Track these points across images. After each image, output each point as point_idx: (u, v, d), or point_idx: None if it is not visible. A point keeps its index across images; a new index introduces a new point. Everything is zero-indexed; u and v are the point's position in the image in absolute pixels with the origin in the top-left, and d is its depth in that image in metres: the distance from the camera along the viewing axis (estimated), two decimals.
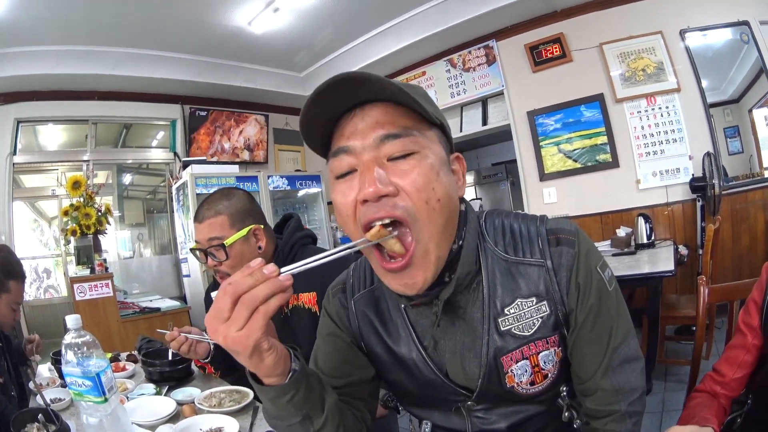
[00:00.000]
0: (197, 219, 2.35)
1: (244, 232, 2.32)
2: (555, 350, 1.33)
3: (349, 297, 1.52)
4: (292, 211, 4.89)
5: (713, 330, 4.60)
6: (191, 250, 2.43)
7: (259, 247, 2.41)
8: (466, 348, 1.34)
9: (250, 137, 8.93)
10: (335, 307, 1.55)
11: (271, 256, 2.46)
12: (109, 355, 3.01)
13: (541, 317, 1.30)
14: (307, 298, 2.38)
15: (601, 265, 1.35)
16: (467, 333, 1.34)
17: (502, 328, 1.30)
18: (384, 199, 1.10)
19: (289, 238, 2.54)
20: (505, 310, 1.30)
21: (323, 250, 2.41)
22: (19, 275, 2.63)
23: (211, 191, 2.36)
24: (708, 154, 5.75)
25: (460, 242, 1.26)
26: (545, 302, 1.30)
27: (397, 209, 1.10)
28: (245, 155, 8.85)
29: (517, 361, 1.30)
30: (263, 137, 9.09)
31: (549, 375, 1.34)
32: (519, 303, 1.29)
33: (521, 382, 1.32)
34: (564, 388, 1.41)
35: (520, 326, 1.30)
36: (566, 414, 1.42)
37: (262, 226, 2.43)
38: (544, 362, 1.32)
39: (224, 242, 2.27)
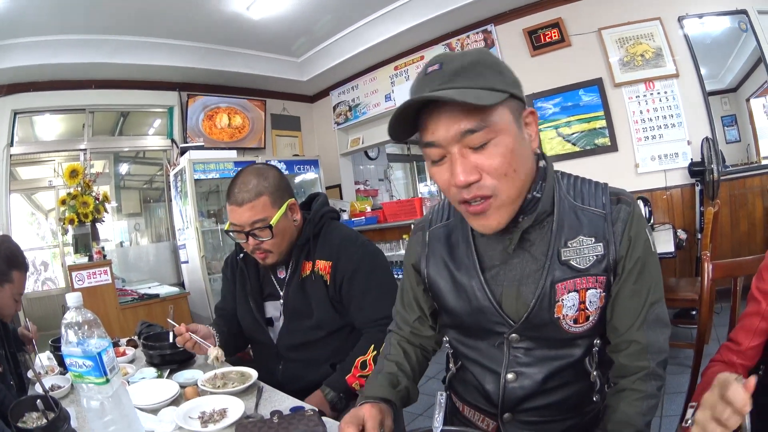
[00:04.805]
0: (235, 202, 2.36)
1: (284, 208, 2.41)
2: (600, 293, 1.49)
3: (427, 228, 1.76)
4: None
5: (712, 314, 4.59)
6: (227, 232, 2.50)
7: (295, 220, 2.52)
8: (526, 276, 1.51)
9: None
10: (412, 243, 1.82)
11: (300, 227, 2.57)
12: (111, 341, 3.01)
13: (596, 255, 1.46)
14: (323, 266, 2.48)
15: (648, 230, 1.52)
16: (529, 263, 1.51)
17: (563, 258, 1.47)
18: (472, 185, 1.34)
19: (319, 210, 2.64)
20: (568, 243, 1.47)
21: (346, 228, 2.64)
22: (22, 265, 2.59)
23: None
24: (707, 138, 5.78)
25: (536, 194, 1.45)
26: (601, 244, 1.46)
27: (483, 189, 1.34)
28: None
29: (569, 291, 1.46)
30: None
31: (590, 318, 1.50)
32: (581, 239, 1.47)
33: (567, 315, 1.48)
34: (597, 342, 1.56)
35: (579, 259, 1.47)
36: (594, 374, 1.57)
37: (294, 199, 2.52)
38: (590, 302, 1.48)
39: (270, 223, 2.35)
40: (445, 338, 1.79)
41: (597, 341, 1.55)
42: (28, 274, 2.67)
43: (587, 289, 1.46)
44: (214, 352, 2.31)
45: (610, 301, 1.51)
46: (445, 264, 1.66)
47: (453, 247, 1.66)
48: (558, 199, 1.51)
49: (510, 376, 1.57)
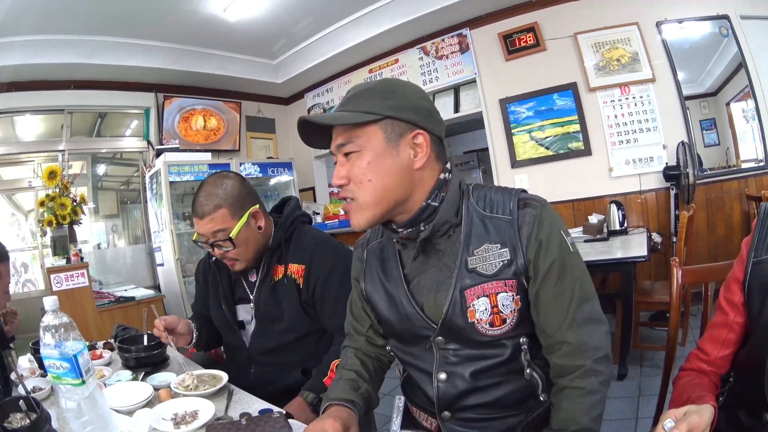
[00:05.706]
0: (197, 214, 2.43)
1: (245, 218, 2.44)
2: (513, 296, 1.59)
3: (365, 245, 1.95)
4: (264, 198, 4.97)
5: (688, 316, 4.63)
6: (195, 241, 2.56)
7: (259, 227, 2.54)
8: (440, 283, 1.64)
9: None
10: (354, 258, 2.01)
11: (271, 233, 2.61)
12: (87, 343, 3.00)
13: (503, 261, 1.57)
14: (296, 270, 2.52)
15: (564, 230, 1.62)
16: (443, 271, 1.65)
17: (470, 266, 1.59)
18: (342, 187, 1.62)
19: (290, 214, 2.67)
20: (475, 252, 1.60)
21: (318, 231, 2.67)
22: (5, 257, 2.57)
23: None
24: (682, 143, 5.80)
25: (432, 202, 1.62)
26: (507, 249, 1.58)
27: (347, 192, 1.62)
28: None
29: (478, 297, 1.58)
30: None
31: (507, 321, 1.59)
32: (486, 247, 1.59)
33: (481, 319, 1.58)
34: (524, 340, 1.64)
35: (485, 266, 1.58)
36: (528, 371, 1.65)
37: (258, 206, 2.55)
38: (503, 305, 1.58)
39: (230, 235, 2.40)
40: (388, 347, 1.92)
41: (524, 340, 1.63)
42: (11, 272, 2.67)
43: (497, 294, 1.57)
44: (188, 378, 2.29)
45: (533, 304, 1.60)
46: (378, 278, 1.83)
47: (384, 261, 1.83)
48: (466, 211, 1.65)
49: (442, 376, 1.69)
